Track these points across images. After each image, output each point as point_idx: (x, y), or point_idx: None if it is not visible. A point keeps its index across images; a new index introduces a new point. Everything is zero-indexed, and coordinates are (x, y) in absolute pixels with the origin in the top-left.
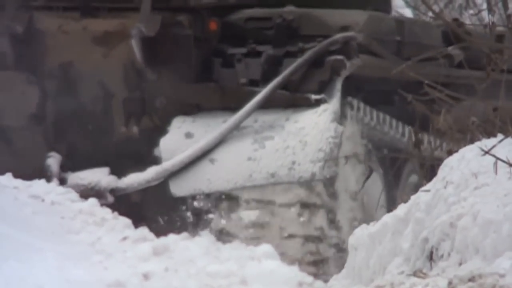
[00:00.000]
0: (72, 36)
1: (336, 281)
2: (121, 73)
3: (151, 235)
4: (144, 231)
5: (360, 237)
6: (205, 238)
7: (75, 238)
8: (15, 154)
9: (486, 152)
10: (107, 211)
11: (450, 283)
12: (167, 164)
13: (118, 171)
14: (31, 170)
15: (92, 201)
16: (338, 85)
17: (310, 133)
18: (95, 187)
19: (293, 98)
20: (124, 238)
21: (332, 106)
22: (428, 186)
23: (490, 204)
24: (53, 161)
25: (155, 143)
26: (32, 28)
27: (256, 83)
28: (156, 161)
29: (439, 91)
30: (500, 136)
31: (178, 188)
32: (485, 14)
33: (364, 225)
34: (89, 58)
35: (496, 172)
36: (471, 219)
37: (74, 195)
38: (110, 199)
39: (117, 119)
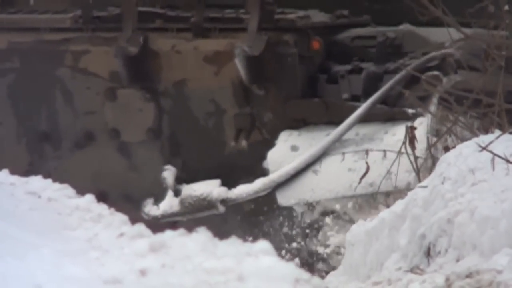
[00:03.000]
0: (184, 55)
1: (333, 277)
2: (231, 90)
3: (147, 231)
4: (140, 227)
5: (357, 233)
6: (202, 234)
7: (71, 234)
8: (134, 167)
9: (484, 148)
10: (103, 207)
11: (447, 279)
12: (274, 175)
13: (229, 183)
14: (149, 183)
15: (89, 197)
16: (434, 99)
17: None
18: (207, 198)
19: (391, 112)
20: (121, 235)
21: (427, 119)
22: (425, 182)
23: (487, 200)
24: (169, 173)
25: (263, 155)
26: (147, 48)
27: (358, 98)
28: (264, 172)
29: (435, 86)
30: (497, 132)
31: (284, 198)
32: None
33: (361, 221)
34: (201, 76)
35: (493, 168)
36: (469, 215)
37: (71, 191)
38: (221, 209)
39: (228, 134)
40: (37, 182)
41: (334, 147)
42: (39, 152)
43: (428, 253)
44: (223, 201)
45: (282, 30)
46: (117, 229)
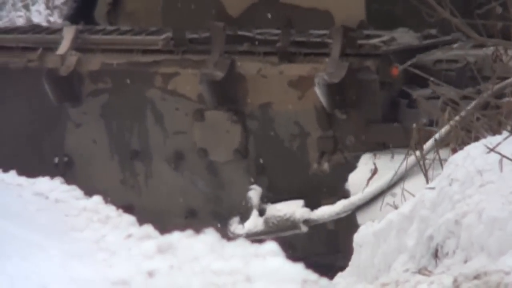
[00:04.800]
0: (270, 79)
1: (341, 278)
2: (314, 114)
3: (155, 233)
4: (148, 228)
5: (365, 235)
6: (209, 236)
7: (79, 235)
8: (221, 186)
9: (491, 150)
10: (111, 209)
11: (455, 280)
12: (354, 198)
13: (312, 203)
14: (235, 201)
15: (96, 198)
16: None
17: None
18: (290, 218)
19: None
20: (129, 236)
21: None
22: (433, 183)
23: (495, 202)
24: (254, 193)
25: (345, 178)
26: (234, 72)
27: (436, 124)
28: (345, 194)
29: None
30: (505, 133)
31: (364, 219)
32: None
33: (369, 223)
34: (285, 100)
35: (501, 170)
36: (476, 217)
37: (78, 192)
38: (304, 229)
39: (311, 156)
40: (44, 183)
41: (412, 171)
42: (130, 170)
43: (435, 255)
44: (306, 222)
45: (364, 55)
46: (125, 230)
